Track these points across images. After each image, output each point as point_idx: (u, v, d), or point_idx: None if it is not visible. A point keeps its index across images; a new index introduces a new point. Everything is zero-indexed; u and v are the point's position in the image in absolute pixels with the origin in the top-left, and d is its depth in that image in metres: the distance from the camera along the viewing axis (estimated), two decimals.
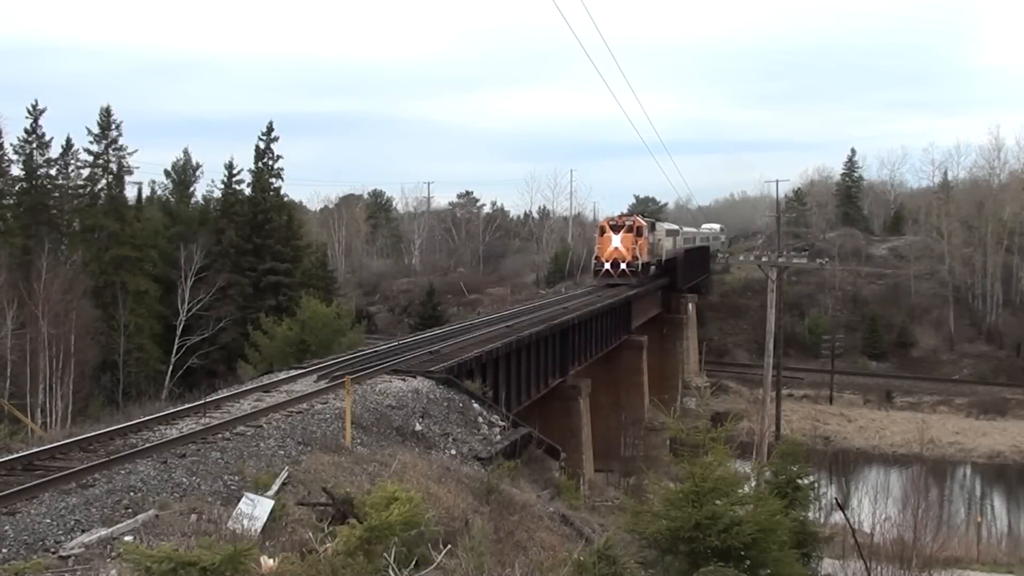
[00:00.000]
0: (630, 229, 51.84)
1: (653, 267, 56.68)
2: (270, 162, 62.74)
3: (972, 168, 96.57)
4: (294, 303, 49.28)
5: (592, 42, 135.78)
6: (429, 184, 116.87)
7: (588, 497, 24.69)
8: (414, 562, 10.32)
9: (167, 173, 77.70)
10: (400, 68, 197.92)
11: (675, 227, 72.13)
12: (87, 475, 12.19)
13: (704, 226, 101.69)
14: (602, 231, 53.27)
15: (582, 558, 11.83)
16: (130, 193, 61.12)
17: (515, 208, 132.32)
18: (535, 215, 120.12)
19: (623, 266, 51.05)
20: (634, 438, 44.40)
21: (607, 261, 51.58)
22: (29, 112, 54.79)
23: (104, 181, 56.52)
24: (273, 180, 62.97)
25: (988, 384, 67.65)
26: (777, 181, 78.29)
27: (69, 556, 10.09)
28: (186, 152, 77.79)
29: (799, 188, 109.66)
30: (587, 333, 38.42)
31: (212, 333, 54.34)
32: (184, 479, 12.73)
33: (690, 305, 67.74)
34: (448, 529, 12.53)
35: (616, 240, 51.44)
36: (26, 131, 54.69)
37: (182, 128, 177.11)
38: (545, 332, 31.46)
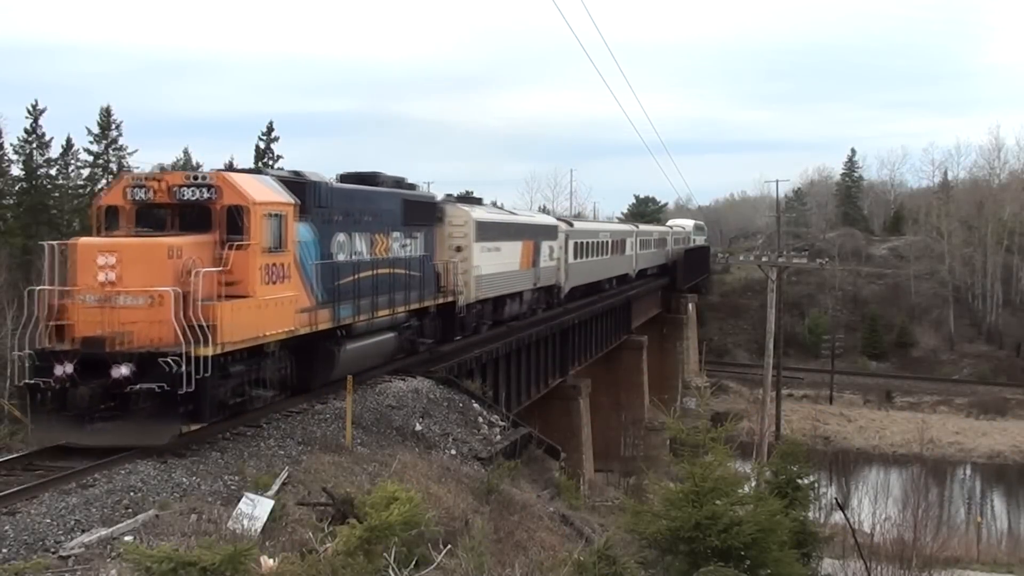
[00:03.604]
0: (200, 222, 14.74)
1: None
2: (270, 162, 62.77)
3: (972, 168, 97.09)
4: None
5: (592, 42, 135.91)
6: (429, 184, 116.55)
7: (588, 497, 24.69)
8: (414, 562, 10.33)
9: None
10: (400, 68, 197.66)
11: (547, 221, 36.81)
12: (87, 475, 12.18)
13: (671, 222, 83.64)
14: (100, 224, 15.69)
15: (582, 558, 11.84)
16: None
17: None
18: None
19: (124, 371, 12.88)
20: (634, 438, 44.42)
21: (63, 343, 13.68)
22: (29, 112, 54.73)
23: (104, 181, 56.52)
24: None
25: (988, 384, 67.73)
26: (777, 181, 77.79)
27: (69, 556, 10.09)
28: (186, 152, 77.22)
29: (799, 188, 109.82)
30: (587, 333, 38.41)
31: None
32: (184, 479, 12.72)
33: (690, 305, 67.78)
34: (448, 529, 12.53)
35: (110, 272, 13.49)
36: (26, 131, 54.62)
37: (182, 128, 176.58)
38: (545, 332, 31.47)
